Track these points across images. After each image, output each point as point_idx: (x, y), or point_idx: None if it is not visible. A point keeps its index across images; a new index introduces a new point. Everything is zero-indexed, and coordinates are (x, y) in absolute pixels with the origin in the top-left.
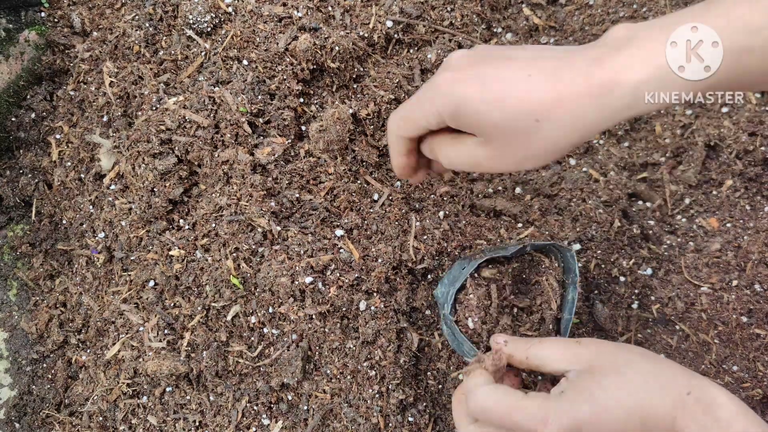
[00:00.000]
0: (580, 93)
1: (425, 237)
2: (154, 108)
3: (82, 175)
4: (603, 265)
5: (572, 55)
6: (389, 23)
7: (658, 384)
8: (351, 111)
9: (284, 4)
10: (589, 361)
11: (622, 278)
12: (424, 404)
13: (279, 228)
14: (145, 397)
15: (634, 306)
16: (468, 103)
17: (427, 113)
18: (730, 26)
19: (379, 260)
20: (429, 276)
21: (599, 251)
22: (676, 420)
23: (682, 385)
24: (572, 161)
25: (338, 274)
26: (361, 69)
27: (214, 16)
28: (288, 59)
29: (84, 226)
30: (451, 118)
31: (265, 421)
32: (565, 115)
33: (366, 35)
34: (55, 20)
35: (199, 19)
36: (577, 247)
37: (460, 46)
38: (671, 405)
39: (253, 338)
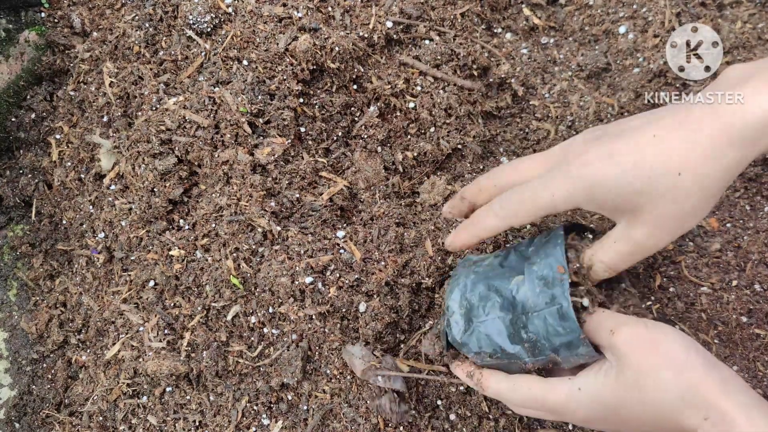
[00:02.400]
0: (712, 133)
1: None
2: (154, 108)
3: (82, 175)
4: None
5: (688, 105)
6: (389, 23)
7: (679, 404)
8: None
9: (284, 5)
10: (619, 357)
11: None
12: (425, 404)
13: (279, 228)
14: (145, 397)
15: None
16: (603, 181)
17: (557, 198)
18: None
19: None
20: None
21: None
22: None
23: (702, 408)
24: None
25: (338, 275)
26: (361, 69)
27: (214, 16)
28: (288, 59)
29: (84, 226)
30: (588, 201)
31: (265, 421)
32: (703, 159)
33: (366, 35)
34: (55, 20)
35: (199, 19)
36: None
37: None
38: (690, 425)
39: (253, 338)
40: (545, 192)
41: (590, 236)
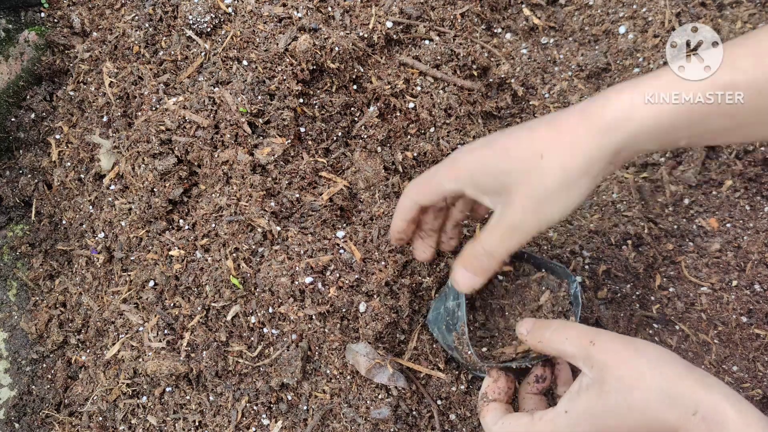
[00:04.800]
0: (576, 124)
1: None
2: (154, 108)
3: (82, 175)
4: (606, 267)
5: (564, 111)
6: (389, 24)
7: (663, 401)
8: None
9: (284, 5)
10: (599, 367)
11: (623, 279)
12: (425, 404)
13: (279, 228)
14: (144, 397)
15: (635, 306)
16: (480, 163)
17: (445, 180)
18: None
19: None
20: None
21: (602, 254)
22: None
23: (689, 402)
24: None
25: (338, 275)
26: (361, 69)
27: (214, 16)
28: (288, 60)
29: (84, 226)
30: (470, 183)
31: (265, 421)
32: (565, 145)
33: (366, 36)
34: (55, 20)
35: (199, 19)
36: (586, 254)
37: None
38: (674, 422)
39: (252, 338)
40: (436, 177)
41: None
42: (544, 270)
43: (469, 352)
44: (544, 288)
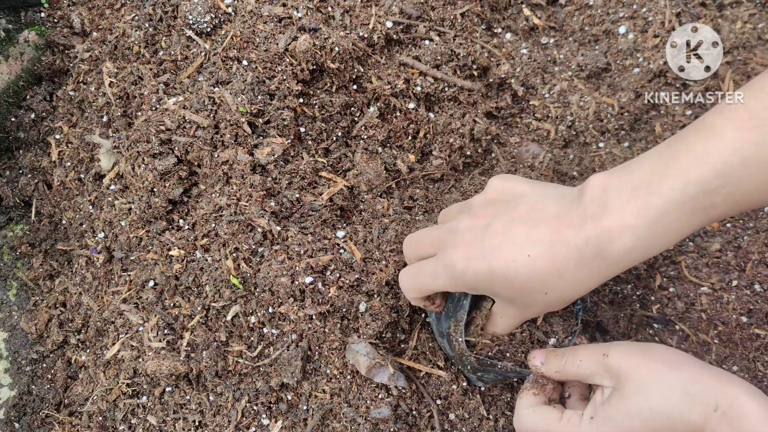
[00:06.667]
0: (577, 263)
1: None
2: (153, 108)
3: (82, 175)
4: None
5: (563, 222)
6: (389, 24)
7: (684, 400)
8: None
9: (284, 5)
10: (617, 375)
11: (624, 279)
12: (425, 404)
13: (279, 228)
14: (144, 397)
15: (636, 306)
16: (481, 282)
17: (447, 287)
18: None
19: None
20: None
21: None
22: None
23: (710, 398)
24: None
25: (338, 275)
26: (361, 69)
27: (213, 16)
28: (288, 60)
29: (84, 226)
30: (471, 290)
31: (265, 421)
32: (567, 283)
33: (366, 36)
34: (55, 20)
35: (198, 19)
36: None
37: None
38: (698, 420)
39: (252, 338)
40: (436, 282)
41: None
42: None
43: (460, 340)
44: None
